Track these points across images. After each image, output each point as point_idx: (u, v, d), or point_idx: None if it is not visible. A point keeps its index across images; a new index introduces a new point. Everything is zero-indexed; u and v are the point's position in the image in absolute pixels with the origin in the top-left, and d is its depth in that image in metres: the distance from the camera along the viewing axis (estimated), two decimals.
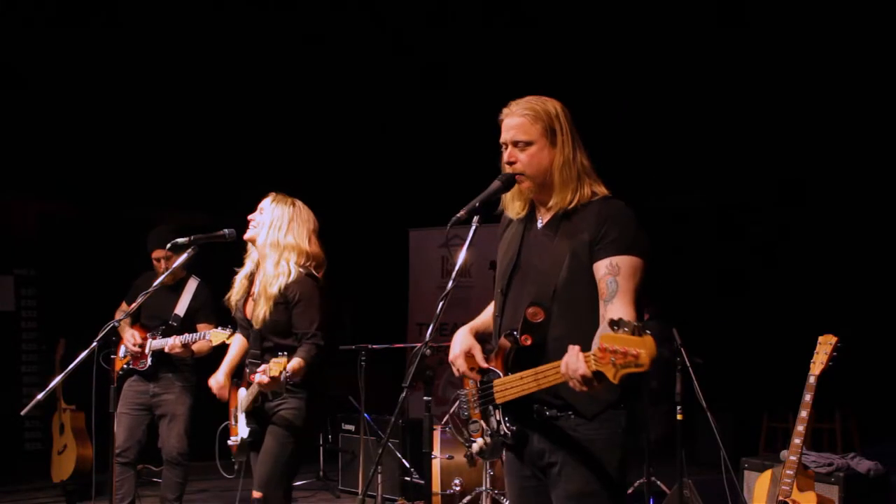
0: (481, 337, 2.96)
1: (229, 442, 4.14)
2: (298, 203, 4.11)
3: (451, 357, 2.85)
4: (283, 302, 3.94)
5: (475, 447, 2.83)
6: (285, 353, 3.81)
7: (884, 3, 7.30)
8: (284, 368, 3.74)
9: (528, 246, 2.83)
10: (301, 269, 3.99)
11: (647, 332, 2.24)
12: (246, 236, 4.09)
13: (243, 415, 4.04)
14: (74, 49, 7.87)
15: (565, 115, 2.77)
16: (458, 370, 2.82)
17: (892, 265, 8.51)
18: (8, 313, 8.77)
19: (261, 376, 3.78)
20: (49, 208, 9.11)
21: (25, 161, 8.40)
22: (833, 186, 8.58)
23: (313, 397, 3.98)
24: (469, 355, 2.79)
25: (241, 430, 4.04)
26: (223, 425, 4.12)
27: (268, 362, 3.83)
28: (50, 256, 8.87)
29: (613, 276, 2.60)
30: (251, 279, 4.12)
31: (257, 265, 4.09)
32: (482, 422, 2.80)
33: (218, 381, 4.17)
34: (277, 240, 3.99)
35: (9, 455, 8.26)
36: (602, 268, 2.63)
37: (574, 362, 2.38)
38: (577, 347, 2.39)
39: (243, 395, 4.07)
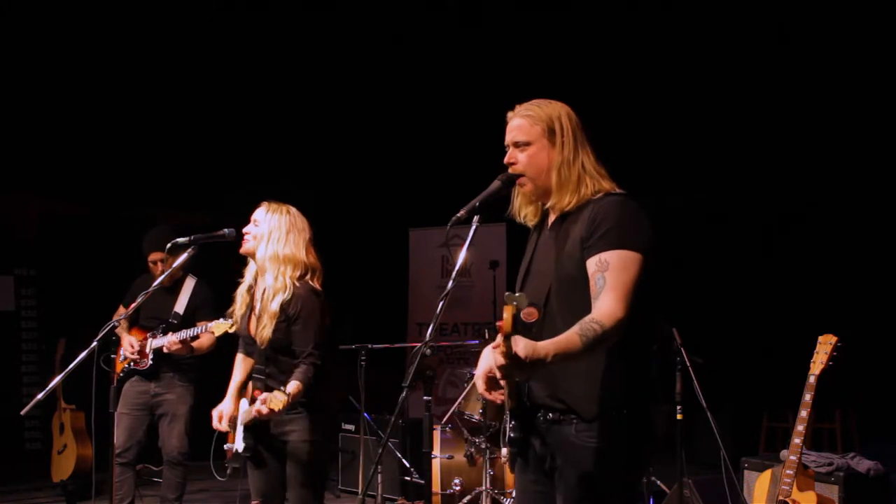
0: None
1: (225, 447, 4.05)
2: (293, 210, 3.95)
3: (475, 377, 2.80)
4: (285, 319, 3.81)
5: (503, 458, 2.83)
6: (284, 389, 3.71)
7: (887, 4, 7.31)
8: (286, 406, 3.65)
9: (537, 251, 2.83)
10: (299, 284, 3.85)
11: (512, 299, 2.24)
12: (243, 250, 3.93)
13: (242, 427, 3.95)
14: (75, 49, 7.88)
15: (569, 116, 2.75)
16: (480, 390, 2.78)
17: (892, 265, 8.51)
18: (8, 313, 8.78)
19: (261, 405, 3.66)
20: (49, 208, 9.12)
21: (25, 160, 8.41)
22: (833, 186, 8.58)
23: (317, 414, 3.86)
24: (490, 376, 2.70)
25: (238, 441, 3.95)
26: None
27: (273, 377, 3.80)
28: (50, 256, 8.88)
29: (601, 272, 2.54)
30: (252, 293, 3.98)
31: (256, 278, 3.95)
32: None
33: (222, 410, 3.98)
34: (276, 252, 3.83)
35: (9, 455, 8.27)
36: (592, 265, 2.58)
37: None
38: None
39: (245, 408, 3.96)
